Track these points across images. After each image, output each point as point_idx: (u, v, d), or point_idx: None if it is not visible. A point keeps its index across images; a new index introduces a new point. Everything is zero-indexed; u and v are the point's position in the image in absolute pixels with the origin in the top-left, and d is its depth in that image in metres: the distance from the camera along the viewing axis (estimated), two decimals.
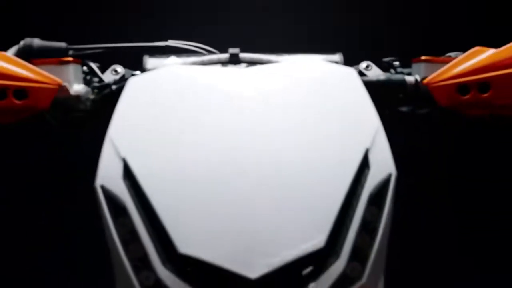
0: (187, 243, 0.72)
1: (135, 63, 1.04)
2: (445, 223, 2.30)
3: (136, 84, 0.85)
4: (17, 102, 0.85)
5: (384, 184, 0.79)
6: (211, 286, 0.72)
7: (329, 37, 1.81)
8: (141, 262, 0.75)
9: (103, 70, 0.99)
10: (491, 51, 0.92)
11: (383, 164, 0.80)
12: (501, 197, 2.39)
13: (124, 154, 0.77)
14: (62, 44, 0.97)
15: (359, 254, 0.76)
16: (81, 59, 0.98)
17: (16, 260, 2.47)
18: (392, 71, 1.06)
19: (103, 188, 0.76)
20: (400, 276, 1.16)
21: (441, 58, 0.99)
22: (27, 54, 0.95)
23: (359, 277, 0.74)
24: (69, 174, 2.42)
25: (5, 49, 1.01)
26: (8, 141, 2.34)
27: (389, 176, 0.79)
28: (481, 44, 0.98)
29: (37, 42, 0.97)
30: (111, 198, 0.77)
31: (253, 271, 0.70)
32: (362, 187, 0.78)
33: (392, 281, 0.90)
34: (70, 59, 0.94)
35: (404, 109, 1.03)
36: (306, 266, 0.75)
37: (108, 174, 0.78)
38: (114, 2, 2.09)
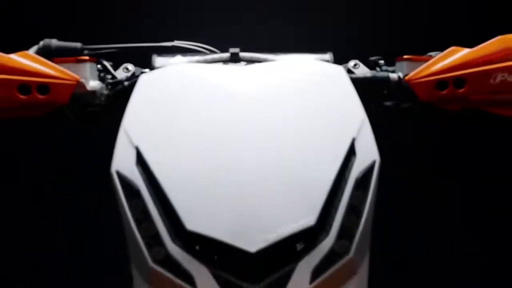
0: (194, 221, 0.79)
1: (139, 61, 1.11)
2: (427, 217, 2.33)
3: (147, 80, 0.92)
4: (40, 97, 0.92)
5: (369, 170, 0.85)
6: (215, 259, 0.78)
7: (326, 37, 1.88)
8: (152, 239, 0.81)
9: (115, 68, 1.05)
10: (466, 50, 0.99)
11: (368, 152, 0.87)
12: (483, 193, 2.42)
13: (137, 143, 0.84)
14: (78, 44, 1.04)
15: (346, 232, 0.82)
16: (95, 58, 1.04)
17: (16, 260, 2.46)
18: (378, 69, 1.11)
19: (118, 173, 0.83)
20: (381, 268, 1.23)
21: (422, 57, 1.05)
22: (46, 53, 1.01)
23: (346, 252, 0.81)
24: (68, 173, 2.42)
25: (13, 47, 1.08)
26: (9, 141, 2.35)
27: (373, 162, 0.86)
28: (469, 42, 1.05)
29: (54, 42, 1.03)
30: (125, 182, 0.83)
31: (253, 246, 0.77)
32: (349, 172, 0.85)
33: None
34: (87, 58, 1.01)
35: (388, 103, 1.09)
36: (299, 242, 0.80)
37: (122, 161, 0.84)
38: (125, 6, 2.14)
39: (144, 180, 0.84)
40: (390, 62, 1.11)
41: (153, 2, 2.20)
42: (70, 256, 2.49)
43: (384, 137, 1.02)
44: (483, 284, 2.41)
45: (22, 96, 0.91)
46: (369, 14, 2.15)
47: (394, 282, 2.43)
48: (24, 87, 0.92)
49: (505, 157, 2.47)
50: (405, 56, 1.06)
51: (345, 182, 0.84)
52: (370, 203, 0.84)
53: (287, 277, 0.80)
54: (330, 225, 0.82)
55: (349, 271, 0.83)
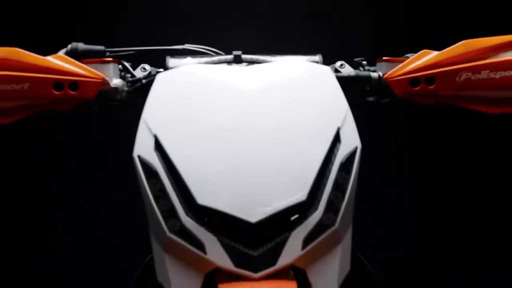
0: (204, 197, 0.90)
1: (152, 62, 1.21)
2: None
3: (163, 79, 1.02)
4: (71, 92, 1.03)
5: (352, 154, 0.96)
6: (222, 229, 0.89)
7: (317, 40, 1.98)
8: (168, 213, 0.91)
9: (133, 68, 1.15)
10: (435, 52, 1.09)
11: (351, 139, 0.97)
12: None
13: (155, 132, 0.94)
14: (101, 47, 1.14)
15: (333, 206, 0.93)
16: (117, 59, 1.14)
17: (16, 260, 2.49)
18: (361, 68, 1.21)
19: (139, 157, 0.94)
20: None
21: (398, 58, 1.16)
22: (73, 55, 1.11)
23: (333, 223, 0.92)
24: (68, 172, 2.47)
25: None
26: (10, 141, 2.40)
27: (356, 148, 0.96)
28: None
29: (81, 45, 1.14)
30: (145, 164, 0.93)
31: (253, 217, 0.88)
32: (335, 156, 0.95)
33: None
34: (110, 59, 1.11)
35: (370, 99, 1.19)
36: (293, 215, 0.91)
37: (142, 147, 0.95)
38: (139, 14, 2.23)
39: (161, 163, 0.94)
40: (372, 63, 1.20)
41: (166, 12, 2.27)
42: (70, 256, 2.52)
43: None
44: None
45: (56, 92, 1.02)
46: (356, 20, 2.24)
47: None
48: (58, 85, 1.02)
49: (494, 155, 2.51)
50: (384, 58, 1.17)
51: (332, 164, 0.94)
52: (353, 182, 0.94)
53: (282, 244, 0.90)
54: (319, 201, 0.92)
55: (335, 239, 0.93)
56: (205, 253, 0.90)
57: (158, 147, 0.95)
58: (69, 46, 1.14)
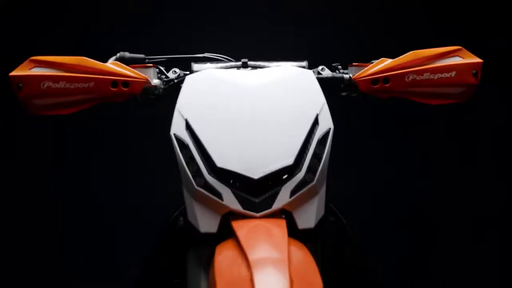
0: (222, 161, 1.16)
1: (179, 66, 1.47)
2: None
3: (191, 79, 1.28)
4: (124, 89, 1.31)
5: (327, 133, 1.22)
6: (234, 184, 1.15)
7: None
8: (196, 173, 1.17)
9: (166, 71, 1.41)
10: (390, 60, 1.36)
11: (326, 123, 1.23)
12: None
13: (186, 116, 1.21)
14: (142, 56, 1.43)
15: (312, 169, 1.18)
16: (155, 64, 1.41)
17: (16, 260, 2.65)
18: (337, 71, 1.44)
19: (174, 135, 1.21)
20: None
21: (364, 63, 1.40)
22: (121, 61, 1.38)
23: (312, 181, 1.18)
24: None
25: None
26: (11, 140, 2.65)
27: (329, 129, 1.23)
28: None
29: (127, 54, 1.42)
30: (179, 140, 1.20)
31: (256, 175, 1.15)
32: (314, 134, 1.20)
33: None
34: (150, 64, 1.38)
35: (343, 94, 1.43)
36: (283, 174, 1.16)
37: (177, 127, 1.22)
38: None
39: (190, 138, 1.19)
40: (345, 67, 1.45)
41: (191, 31, 2.59)
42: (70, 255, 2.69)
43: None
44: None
45: (113, 89, 1.31)
46: (336, 34, 2.61)
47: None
48: (114, 83, 1.30)
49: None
50: (354, 63, 1.42)
51: (312, 140, 1.19)
52: (327, 153, 1.21)
53: (276, 194, 1.15)
54: (302, 165, 1.18)
55: (313, 192, 1.19)
56: (222, 200, 1.15)
57: (188, 127, 1.20)
58: (118, 55, 1.42)
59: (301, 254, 1.05)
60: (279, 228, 1.11)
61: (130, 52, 1.44)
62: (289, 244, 1.05)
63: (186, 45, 2.20)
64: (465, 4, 2.71)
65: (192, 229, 1.20)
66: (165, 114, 1.29)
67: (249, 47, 1.69)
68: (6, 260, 2.66)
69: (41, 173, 2.69)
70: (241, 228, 1.11)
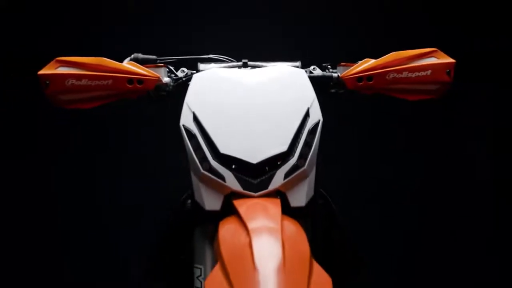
0: (225, 148, 1.29)
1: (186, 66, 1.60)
2: None
3: (198, 77, 1.40)
4: (138, 86, 1.45)
5: (316, 124, 1.34)
6: (235, 168, 1.28)
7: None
8: (202, 159, 1.30)
9: (175, 70, 1.55)
10: (373, 60, 1.50)
11: (316, 115, 1.35)
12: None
13: (193, 109, 1.34)
14: (153, 57, 1.57)
15: (303, 155, 1.31)
16: (165, 64, 1.55)
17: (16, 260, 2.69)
18: (327, 70, 1.55)
19: (183, 126, 1.34)
20: None
21: (351, 63, 1.53)
22: (135, 61, 1.52)
23: (303, 166, 1.31)
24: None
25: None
26: (13, 140, 2.69)
27: (319, 121, 1.35)
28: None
29: (140, 55, 1.56)
30: (187, 130, 1.33)
31: (254, 160, 1.28)
32: (305, 125, 1.32)
33: None
34: (162, 64, 1.53)
35: (332, 90, 1.56)
36: (278, 159, 1.29)
37: (186, 119, 1.35)
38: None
39: (197, 128, 1.32)
40: (334, 67, 1.57)
41: (191, 31, 2.66)
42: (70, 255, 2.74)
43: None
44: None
45: (129, 86, 1.45)
46: (324, 36, 2.71)
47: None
48: (130, 81, 1.44)
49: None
50: (342, 63, 1.56)
51: (303, 130, 1.32)
52: (316, 142, 1.34)
53: (272, 177, 1.28)
54: (295, 151, 1.30)
55: (304, 175, 1.32)
56: (225, 182, 1.28)
57: (195, 119, 1.33)
58: (132, 56, 1.56)
59: (292, 227, 1.21)
60: (274, 205, 1.25)
61: (143, 54, 1.59)
62: (282, 219, 1.20)
63: (186, 45, 2.40)
64: (465, 4, 2.76)
65: (198, 208, 1.34)
66: (165, 115, 1.41)
67: (249, 47, 1.84)
68: (6, 260, 2.71)
69: (40, 173, 2.74)
70: (241, 205, 1.26)
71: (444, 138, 2.83)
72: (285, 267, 1.05)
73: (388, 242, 2.75)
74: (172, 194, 1.58)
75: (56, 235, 2.75)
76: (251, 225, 1.16)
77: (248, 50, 1.68)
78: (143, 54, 1.58)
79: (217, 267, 1.10)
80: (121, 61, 1.53)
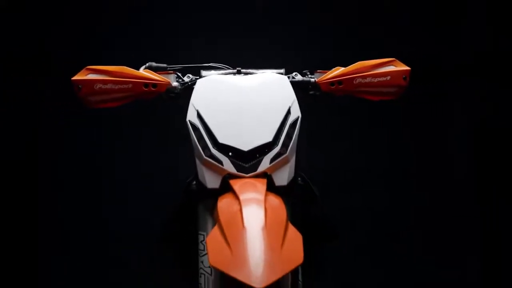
0: (222, 138, 1.55)
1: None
2: None
3: (202, 82, 1.66)
4: (153, 89, 1.74)
5: (296, 120, 1.61)
6: (231, 154, 1.54)
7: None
8: (204, 147, 1.57)
9: (182, 76, 1.82)
10: (342, 68, 1.77)
11: (296, 112, 1.62)
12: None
13: (197, 108, 1.61)
14: (164, 65, 1.86)
15: (285, 145, 1.57)
16: (174, 71, 1.85)
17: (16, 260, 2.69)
18: (306, 76, 1.78)
19: (189, 121, 1.63)
20: None
21: (325, 70, 1.78)
22: (150, 69, 1.82)
23: (285, 153, 1.58)
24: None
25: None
26: (13, 140, 2.69)
27: (298, 117, 1.63)
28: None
29: (153, 64, 1.85)
30: (192, 124, 1.60)
31: (246, 148, 1.55)
32: (287, 120, 1.59)
33: None
34: (171, 71, 1.82)
35: (310, 93, 1.79)
36: (265, 147, 1.54)
37: (191, 115, 1.62)
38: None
39: (200, 123, 1.58)
40: (312, 73, 1.81)
41: (191, 31, 2.79)
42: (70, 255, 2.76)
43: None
44: None
45: (145, 89, 1.74)
46: (306, 47, 2.82)
47: None
48: (146, 85, 1.73)
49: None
50: (318, 70, 1.82)
51: (285, 124, 1.58)
52: (296, 134, 1.62)
53: (260, 161, 1.54)
54: (278, 142, 1.56)
55: (286, 161, 1.58)
56: (223, 166, 1.54)
57: (199, 115, 1.60)
58: (147, 64, 1.85)
59: (274, 199, 1.53)
60: (261, 183, 1.53)
61: (156, 63, 1.89)
62: (267, 194, 1.51)
63: (186, 45, 2.59)
64: (465, 4, 2.83)
65: (201, 187, 1.62)
66: (165, 116, 1.65)
67: (242, 57, 2.06)
68: (6, 260, 2.73)
69: (40, 173, 2.78)
70: (235, 183, 1.53)
71: (428, 133, 2.90)
72: (267, 226, 1.37)
73: (361, 218, 2.85)
74: (169, 195, 1.79)
75: (56, 235, 2.78)
76: (242, 196, 1.47)
77: (242, 60, 1.92)
78: (156, 63, 1.89)
79: (216, 228, 1.43)
80: (126, 65, 1.75)
